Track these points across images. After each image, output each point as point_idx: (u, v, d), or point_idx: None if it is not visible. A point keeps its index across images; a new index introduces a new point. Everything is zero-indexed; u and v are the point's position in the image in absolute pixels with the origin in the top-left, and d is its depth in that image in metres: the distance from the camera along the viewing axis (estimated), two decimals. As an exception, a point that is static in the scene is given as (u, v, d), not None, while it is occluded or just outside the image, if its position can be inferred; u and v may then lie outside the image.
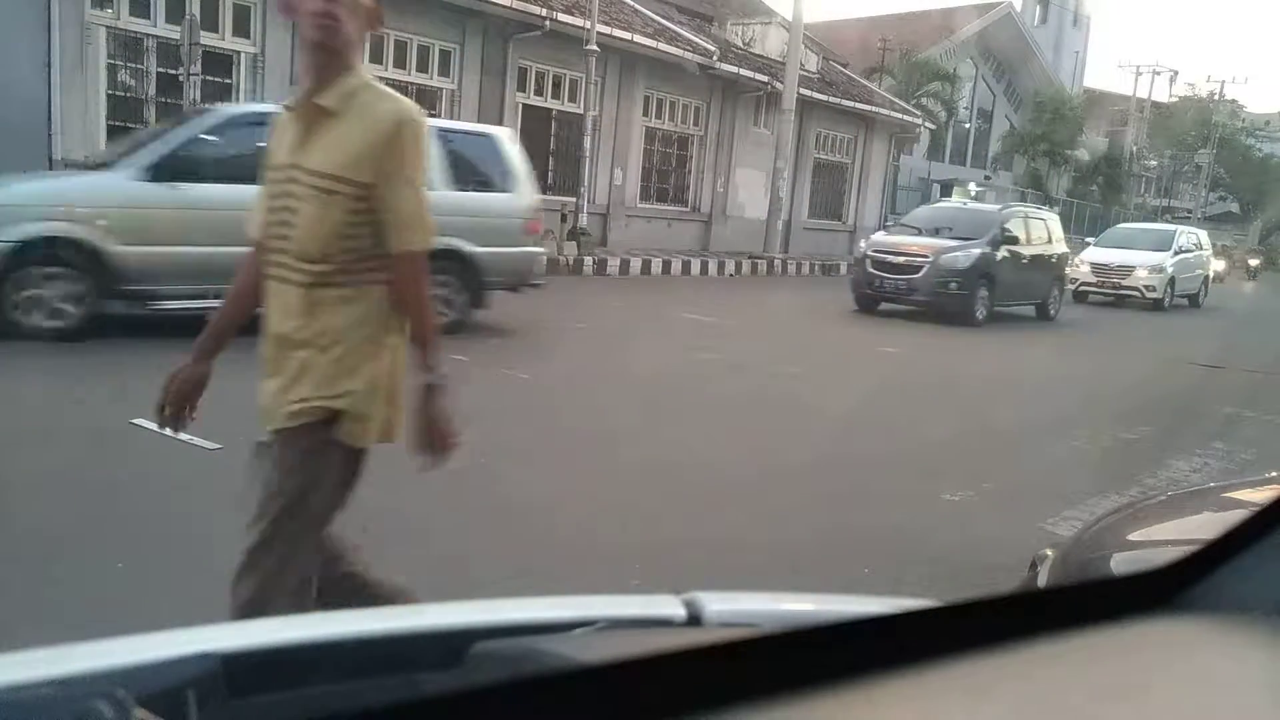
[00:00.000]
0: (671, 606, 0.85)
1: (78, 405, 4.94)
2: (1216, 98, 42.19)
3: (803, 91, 18.78)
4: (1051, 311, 14.22)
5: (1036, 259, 13.71)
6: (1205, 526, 1.92)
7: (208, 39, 11.48)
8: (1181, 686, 0.71)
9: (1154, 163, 43.51)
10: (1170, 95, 43.39)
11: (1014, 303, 13.58)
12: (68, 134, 10.85)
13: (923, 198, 25.26)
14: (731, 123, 19.69)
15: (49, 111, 10.66)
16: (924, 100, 28.01)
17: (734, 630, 0.81)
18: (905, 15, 33.36)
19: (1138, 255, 17.45)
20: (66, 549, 3.12)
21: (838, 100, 21.61)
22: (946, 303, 11.99)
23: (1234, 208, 46.58)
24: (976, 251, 12.22)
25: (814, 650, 0.66)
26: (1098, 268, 17.66)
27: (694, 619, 0.84)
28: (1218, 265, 22.69)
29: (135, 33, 11.58)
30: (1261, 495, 2.00)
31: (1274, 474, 4.53)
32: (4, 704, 0.60)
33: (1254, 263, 33.27)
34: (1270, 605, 0.79)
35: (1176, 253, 17.83)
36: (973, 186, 30.79)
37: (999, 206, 14.61)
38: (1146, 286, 17.10)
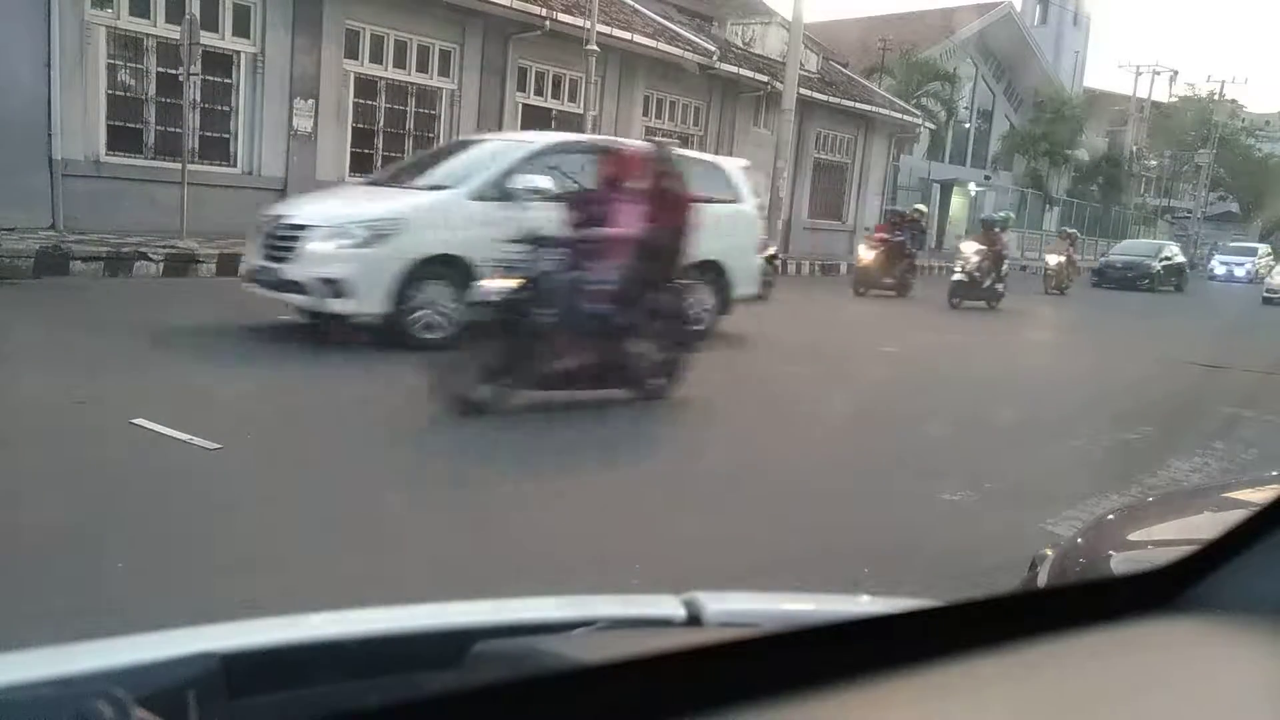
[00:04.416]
0: (671, 606, 0.85)
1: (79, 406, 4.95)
2: (1216, 98, 42.15)
3: (803, 91, 18.76)
4: None
5: None
6: (1205, 526, 1.92)
7: (208, 39, 11.47)
8: (1181, 686, 0.71)
9: (1154, 163, 43.45)
10: (1170, 95, 43.35)
11: None
12: (67, 134, 10.85)
13: (923, 198, 25.23)
14: (731, 123, 19.67)
15: (49, 111, 10.65)
16: (924, 100, 27.99)
17: (734, 630, 0.81)
18: (905, 15, 33.33)
19: (332, 204, 7.40)
20: (66, 549, 3.12)
21: (838, 100, 21.61)
22: None
23: (1234, 208, 46.57)
24: None
25: (814, 650, 0.66)
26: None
27: (694, 619, 0.84)
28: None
29: (135, 32, 11.57)
30: (1261, 495, 2.00)
31: (1274, 474, 4.52)
32: (4, 704, 0.60)
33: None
34: (1270, 605, 0.79)
35: (490, 197, 6.81)
36: (973, 186, 30.79)
37: None
38: (323, 279, 6.26)
